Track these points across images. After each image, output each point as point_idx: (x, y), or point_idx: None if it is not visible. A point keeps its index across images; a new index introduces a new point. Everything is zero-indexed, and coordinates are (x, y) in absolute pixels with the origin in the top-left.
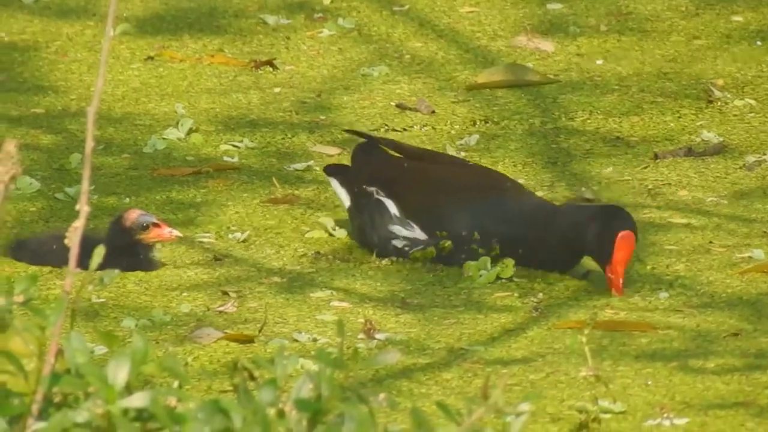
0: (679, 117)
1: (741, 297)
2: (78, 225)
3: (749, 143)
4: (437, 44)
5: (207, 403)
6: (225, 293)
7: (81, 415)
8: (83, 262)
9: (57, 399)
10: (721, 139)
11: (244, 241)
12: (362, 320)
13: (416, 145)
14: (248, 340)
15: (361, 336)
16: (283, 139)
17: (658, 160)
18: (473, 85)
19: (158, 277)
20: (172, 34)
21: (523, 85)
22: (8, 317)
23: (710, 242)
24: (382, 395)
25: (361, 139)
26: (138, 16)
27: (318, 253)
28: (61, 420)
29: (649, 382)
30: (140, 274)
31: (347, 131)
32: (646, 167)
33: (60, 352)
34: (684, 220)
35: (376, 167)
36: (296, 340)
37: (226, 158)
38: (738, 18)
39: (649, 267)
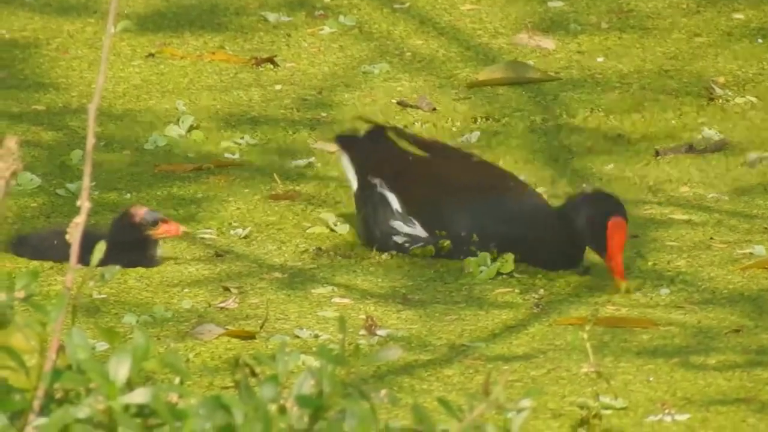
0: (681, 114)
1: (742, 293)
2: (79, 221)
3: (750, 140)
4: (438, 42)
5: (208, 399)
6: (226, 289)
7: (82, 411)
8: (84, 257)
9: (58, 395)
10: (722, 136)
11: (245, 237)
12: (363, 316)
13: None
14: (249, 336)
15: (362, 332)
16: (284, 136)
17: (659, 157)
18: (474, 82)
19: (159, 273)
20: (173, 31)
21: (524, 83)
22: (9, 313)
23: (711, 238)
24: (383, 391)
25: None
26: (139, 13)
27: (319, 249)
28: (62, 416)
29: (651, 379)
30: (141, 270)
31: (359, 118)
32: (647, 164)
33: (61, 348)
34: (685, 217)
35: (382, 158)
36: (297, 337)
37: (227, 155)
38: (739, 15)
39: (650, 263)
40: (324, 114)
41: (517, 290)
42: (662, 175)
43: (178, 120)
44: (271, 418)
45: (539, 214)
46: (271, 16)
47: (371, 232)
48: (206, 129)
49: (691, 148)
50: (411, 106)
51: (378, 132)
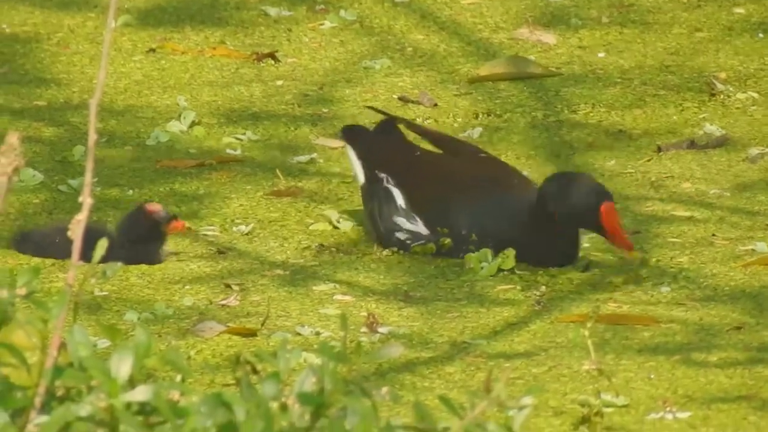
0: (682, 110)
1: (744, 290)
2: (81, 217)
3: (752, 136)
4: (439, 36)
5: (210, 396)
6: (228, 286)
7: (84, 409)
8: (87, 254)
9: (60, 392)
10: (724, 131)
11: (248, 233)
12: (365, 314)
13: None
14: (251, 333)
15: (364, 329)
16: (285, 131)
17: (660, 153)
18: (475, 77)
19: (161, 270)
20: (173, 26)
21: (526, 78)
22: (11, 310)
23: (713, 235)
24: (384, 389)
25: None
26: (140, 8)
27: (321, 245)
28: (63, 413)
29: (652, 376)
30: (143, 267)
31: (368, 107)
32: (648, 160)
33: (62, 346)
34: (687, 213)
35: (390, 152)
36: (299, 334)
37: (228, 151)
38: (740, 10)
39: (652, 260)
40: (325, 110)
41: (518, 287)
42: (664, 171)
43: (180, 116)
44: (272, 416)
45: (536, 211)
46: (272, 11)
47: (376, 227)
48: (208, 125)
49: (692, 144)
50: (412, 102)
51: (388, 124)
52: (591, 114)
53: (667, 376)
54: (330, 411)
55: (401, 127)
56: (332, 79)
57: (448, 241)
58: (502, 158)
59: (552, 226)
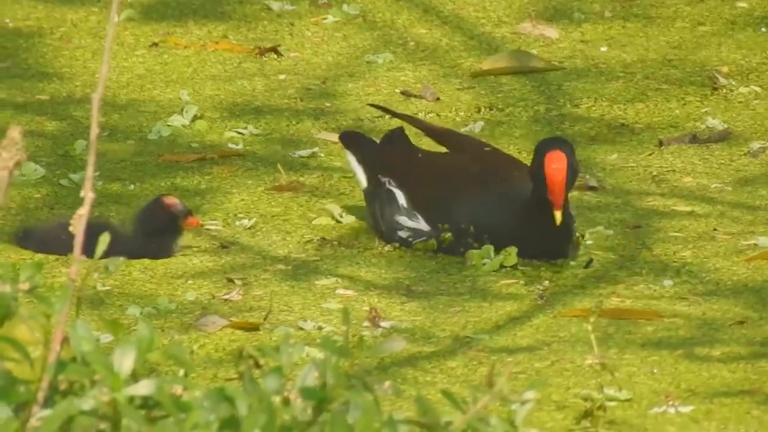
0: (684, 104)
1: (746, 285)
2: (83, 212)
3: (754, 130)
4: (442, 31)
5: (212, 390)
6: (230, 281)
7: (87, 403)
8: (91, 249)
9: (62, 387)
10: (726, 125)
11: (250, 228)
12: (367, 308)
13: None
14: (253, 328)
15: (366, 324)
16: (287, 125)
17: (662, 147)
18: (478, 71)
19: (163, 264)
20: (176, 20)
21: (528, 72)
22: (14, 305)
23: (715, 229)
24: (387, 383)
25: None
26: (142, 2)
27: (323, 239)
28: (66, 408)
29: (655, 370)
30: (146, 261)
31: (372, 105)
32: (650, 154)
33: (65, 340)
34: (688, 208)
35: (393, 157)
36: (301, 328)
37: (230, 145)
38: (743, 4)
39: (654, 254)
40: (328, 104)
41: (521, 282)
42: (666, 165)
43: (182, 110)
44: (274, 410)
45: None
46: (275, 5)
47: (378, 228)
48: (210, 119)
49: (694, 138)
50: (415, 96)
51: (396, 134)
52: (593, 108)
53: (670, 370)
54: (332, 405)
55: (407, 133)
56: (335, 73)
57: (448, 235)
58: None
59: (545, 217)
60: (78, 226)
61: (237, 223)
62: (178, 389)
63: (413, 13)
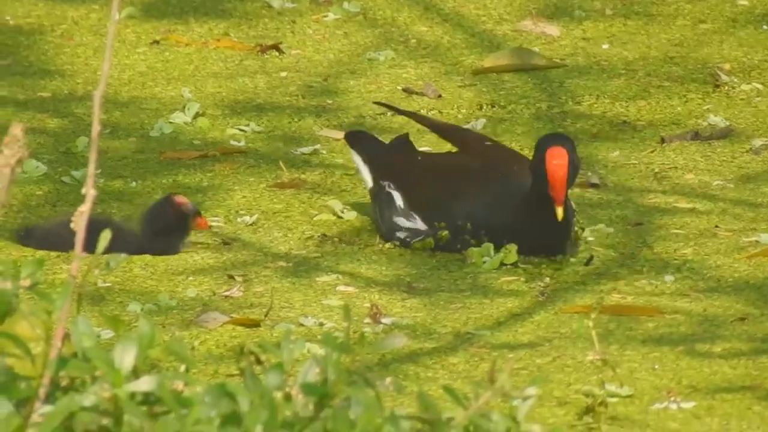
0: (686, 101)
1: (748, 281)
2: (84, 209)
3: (756, 127)
4: (443, 28)
5: (214, 386)
6: (231, 277)
7: (88, 399)
8: (92, 246)
9: (64, 383)
10: (728, 123)
11: (252, 224)
12: (368, 305)
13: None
14: (254, 324)
15: (367, 320)
16: (289, 123)
17: (664, 144)
18: (479, 69)
19: (164, 261)
20: (177, 17)
21: (530, 69)
22: (15, 301)
23: (716, 226)
24: (388, 379)
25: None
26: (143, 0)
27: (324, 235)
28: (67, 404)
29: (656, 366)
30: (147, 258)
31: (377, 103)
32: (652, 151)
33: (66, 336)
34: (690, 205)
35: (395, 160)
36: (302, 325)
37: (232, 142)
38: (744, 2)
39: (655, 251)
40: (329, 101)
41: (522, 278)
42: (667, 162)
43: (184, 107)
44: (276, 406)
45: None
46: (276, 3)
47: (379, 229)
48: (212, 116)
49: (696, 135)
50: (416, 93)
51: (401, 140)
52: (595, 105)
53: (672, 366)
54: (334, 401)
55: (411, 140)
56: (336, 70)
57: (445, 233)
58: None
59: (544, 212)
60: (79, 223)
61: (239, 219)
62: (179, 385)
63: (414, 10)
